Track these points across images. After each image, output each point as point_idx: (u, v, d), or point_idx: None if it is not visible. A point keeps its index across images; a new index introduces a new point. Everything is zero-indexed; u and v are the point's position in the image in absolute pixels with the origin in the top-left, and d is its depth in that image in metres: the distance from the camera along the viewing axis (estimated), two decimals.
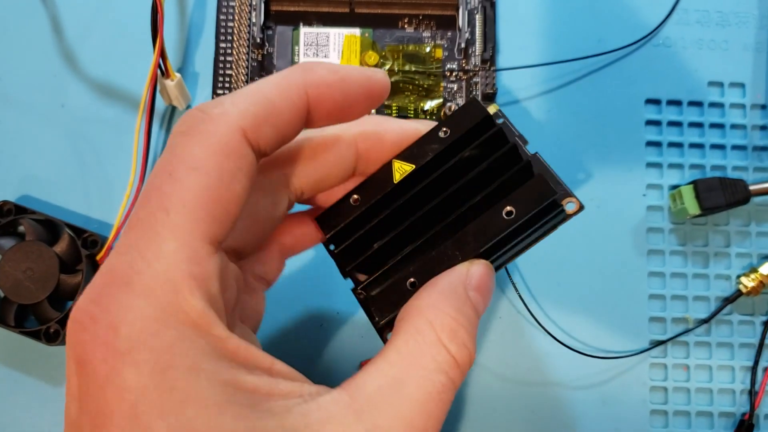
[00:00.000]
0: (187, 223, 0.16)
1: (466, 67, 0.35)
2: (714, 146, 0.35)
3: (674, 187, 0.34)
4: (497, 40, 0.36)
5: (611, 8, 0.36)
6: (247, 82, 0.35)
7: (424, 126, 0.22)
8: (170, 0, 0.36)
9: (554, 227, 0.22)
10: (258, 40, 0.35)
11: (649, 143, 0.35)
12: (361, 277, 0.21)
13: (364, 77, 0.19)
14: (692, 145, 0.35)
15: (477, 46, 0.35)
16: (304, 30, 0.35)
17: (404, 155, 0.21)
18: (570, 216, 0.21)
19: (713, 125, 0.35)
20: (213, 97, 0.35)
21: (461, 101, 0.35)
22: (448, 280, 0.19)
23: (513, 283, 0.33)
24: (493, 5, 0.36)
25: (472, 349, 0.18)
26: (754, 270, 0.33)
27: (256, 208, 0.20)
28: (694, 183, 0.33)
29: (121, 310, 0.15)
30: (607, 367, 0.33)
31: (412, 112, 0.35)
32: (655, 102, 0.35)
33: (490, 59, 0.35)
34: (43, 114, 0.35)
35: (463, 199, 0.21)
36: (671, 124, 0.35)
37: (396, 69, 0.35)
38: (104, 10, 0.36)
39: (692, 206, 0.33)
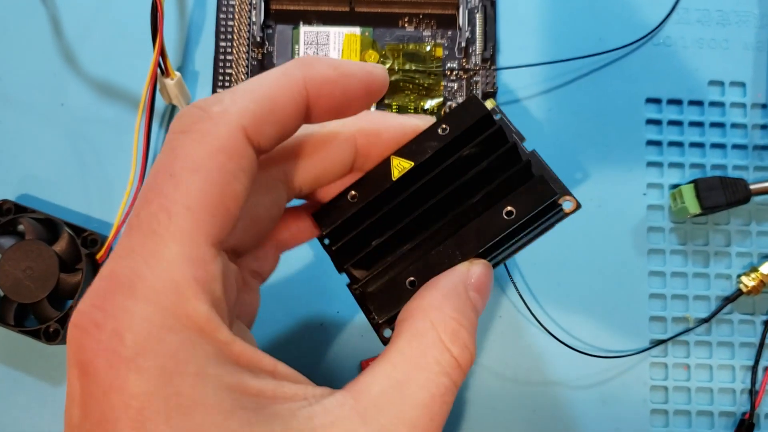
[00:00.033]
0: (190, 226, 0.16)
1: (466, 66, 0.35)
2: (714, 145, 0.35)
3: (675, 186, 0.34)
4: (497, 39, 0.36)
5: (612, 7, 0.36)
6: None
7: (423, 122, 0.21)
8: None
9: (551, 225, 0.22)
10: (258, 39, 0.35)
11: (650, 142, 0.35)
12: (357, 273, 0.21)
13: (364, 72, 0.19)
14: (693, 144, 0.35)
15: (477, 45, 0.35)
16: (304, 29, 0.35)
17: (403, 152, 0.21)
18: (567, 214, 0.21)
19: (714, 124, 0.35)
20: None
21: (461, 100, 0.35)
22: (449, 281, 0.19)
23: (513, 283, 0.33)
24: (493, 4, 0.36)
25: (473, 350, 0.18)
26: (754, 269, 0.33)
27: (255, 206, 0.20)
28: (695, 182, 0.33)
29: (125, 315, 0.15)
30: (608, 367, 0.33)
31: (412, 111, 0.35)
32: (656, 101, 0.35)
33: (490, 58, 0.35)
34: (43, 113, 0.35)
35: (463, 197, 0.21)
36: (672, 123, 0.35)
37: (396, 68, 0.35)
38: (104, 10, 0.36)
39: (693, 205, 0.33)
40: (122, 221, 0.32)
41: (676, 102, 0.35)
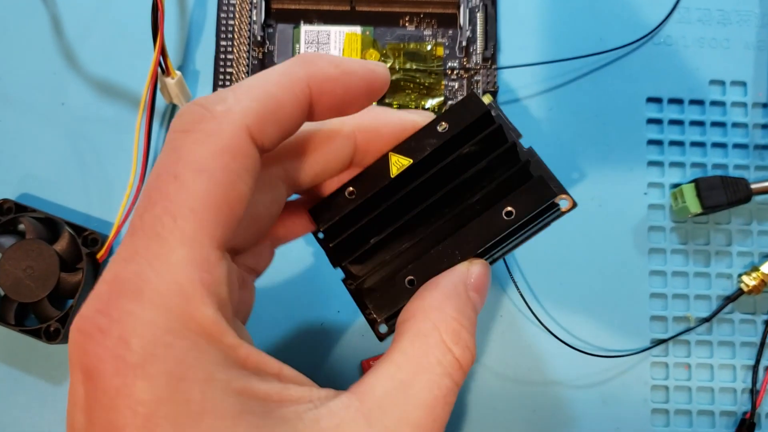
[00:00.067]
0: (196, 229, 0.16)
1: (467, 66, 0.35)
2: (715, 145, 0.35)
3: (675, 185, 0.34)
4: (498, 38, 0.36)
5: (612, 7, 0.36)
6: None
7: (421, 118, 0.21)
8: None
9: (548, 224, 0.22)
10: (259, 38, 0.35)
11: (651, 142, 0.35)
12: (353, 269, 0.21)
13: (365, 70, 0.19)
14: (693, 144, 0.35)
15: (478, 44, 0.35)
16: (304, 28, 0.35)
17: (401, 148, 0.21)
18: (564, 213, 0.21)
19: (715, 124, 0.35)
20: None
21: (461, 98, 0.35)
22: (449, 281, 0.19)
23: (514, 282, 0.33)
24: (494, 3, 0.36)
25: (474, 350, 0.18)
26: (755, 269, 0.33)
27: (256, 205, 0.20)
28: (696, 181, 0.33)
29: (131, 321, 0.15)
30: (608, 366, 0.33)
31: None
32: (657, 100, 0.35)
33: (491, 57, 0.35)
34: (43, 112, 0.35)
35: (461, 196, 0.21)
36: (672, 122, 0.35)
37: (397, 67, 0.35)
38: (104, 9, 0.36)
39: (693, 205, 0.33)
40: (123, 220, 0.32)
41: (677, 101, 0.35)
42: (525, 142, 0.22)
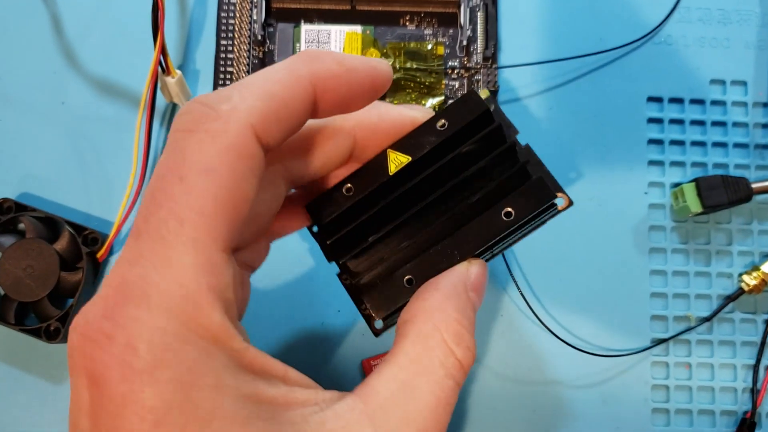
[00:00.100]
0: (203, 232, 0.15)
1: (467, 65, 0.35)
2: (716, 144, 0.35)
3: (676, 185, 0.34)
4: (499, 37, 0.36)
5: (613, 6, 0.36)
6: None
7: (421, 114, 0.21)
8: None
9: (544, 222, 0.22)
10: (259, 38, 0.35)
11: (651, 141, 0.35)
12: (350, 265, 0.21)
13: (368, 68, 0.19)
14: (694, 143, 0.35)
15: (479, 43, 0.35)
16: (305, 27, 0.35)
17: (400, 145, 0.21)
18: (560, 211, 0.21)
19: (715, 123, 0.35)
20: None
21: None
22: (449, 282, 0.19)
23: (515, 281, 0.33)
24: (494, 2, 0.36)
25: (474, 351, 0.19)
26: (756, 268, 0.33)
27: (257, 204, 0.20)
28: (696, 181, 0.33)
29: (138, 327, 0.15)
30: (609, 366, 0.33)
31: None
32: (657, 100, 0.35)
33: (491, 57, 0.35)
34: (43, 111, 0.35)
35: (460, 195, 0.21)
36: (673, 122, 0.35)
37: (397, 66, 0.35)
38: (104, 8, 0.36)
39: (694, 204, 0.33)
40: (123, 220, 0.32)
41: (677, 101, 0.35)
42: (525, 141, 0.22)
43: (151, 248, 0.15)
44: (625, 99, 0.35)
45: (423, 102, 0.35)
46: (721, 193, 0.32)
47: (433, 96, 0.35)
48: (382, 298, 0.20)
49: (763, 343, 0.33)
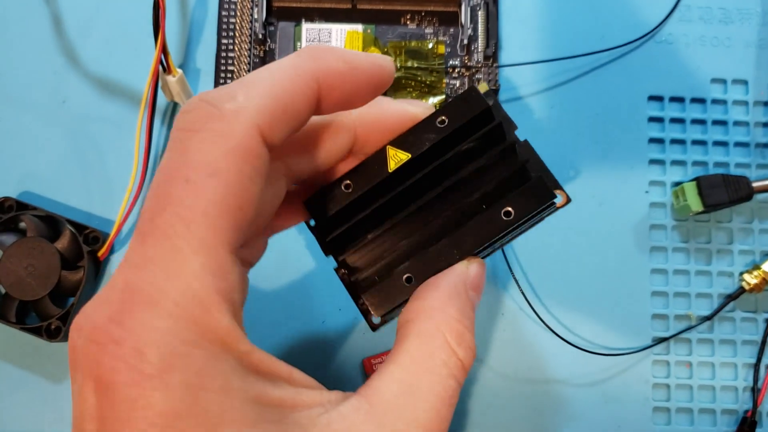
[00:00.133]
0: (210, 235, 0.15)
1: (468, 64, 0.35)
2: (717, 143, 0.35)
3: (677, 184, 0.34)
4: (500, 36, 0.36)
5: (613, 5, 0.36)
6: None
7: (421, 110, 0.21)
8: None
9: (542, 219, 0.22)
10: (260, 36, 0.35)
11: (652, 140, 0.35)
12: (348, 260, 0.21)
13: (372, 65, 0.19)
14: (695, 142, 0.35)
15: (479, 42, 0.35)
16: (306, 26, 0.35)
17: (400, 142, 0.21)
18: (558, 208, 0.21)
19: (716, 122, 0.35)
20: None
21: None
22: (449, 281, 0.19)
23: (516, 280, 0.33)
24: (495, 1, 0.36)
25: (475, 350, 0.19)
26: (756, 267, 0.33)
27: (260, 202, 0.20)
28: (697, 180, 0.33)
29: (147, 331, 0.14)
30: (610, 365, 0.33)
31: None
32: (658, 99, 0.35)
33: (492, 55, 0.35)
34: (44, 111, 0.35)
35: (459, 193, 0.21)
36: (674, 120, 0.35)
37: (398, 65, 0.35)
38: (105, 7, 0.36)
39: (695, 203, 0.33)
40: (124, 219, 0.32)
41: (678, 100, 0.35)
42: (517, 133, 0.22)
43: (157, 251, 0.15)
44: (626, 98, 0.35)
45: (424, 101, 0.35)
46: (722, 192, 0.32)
47: (434, 95, 0.35)
48: (382, 296, 0.20)
49: (763, 342, 0.33)
